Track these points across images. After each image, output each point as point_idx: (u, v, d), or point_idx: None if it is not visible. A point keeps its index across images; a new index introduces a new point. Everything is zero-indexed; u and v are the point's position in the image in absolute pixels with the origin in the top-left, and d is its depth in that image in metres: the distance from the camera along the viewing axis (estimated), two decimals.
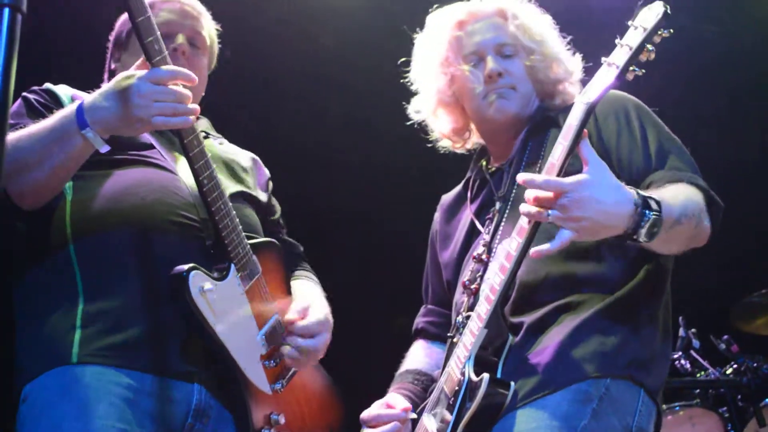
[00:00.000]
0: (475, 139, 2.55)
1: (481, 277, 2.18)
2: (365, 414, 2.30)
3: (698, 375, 4.70)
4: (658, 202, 1.87)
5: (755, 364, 4.59)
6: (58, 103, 2.23)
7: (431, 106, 2.50)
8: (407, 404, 2.29)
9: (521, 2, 2.41)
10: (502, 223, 2.23)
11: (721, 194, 2.07)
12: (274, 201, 2.65)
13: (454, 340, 2.16)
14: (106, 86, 2.05)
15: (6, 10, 1.35)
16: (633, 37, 1.86)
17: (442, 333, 2.43)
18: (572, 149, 1.87)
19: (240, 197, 2.41)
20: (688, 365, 4.72)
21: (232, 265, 2.18)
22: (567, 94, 2.35)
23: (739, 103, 5.38)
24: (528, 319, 2.09)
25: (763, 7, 5.07)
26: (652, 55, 1.86)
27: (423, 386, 2.40)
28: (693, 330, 4.79)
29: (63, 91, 2.29)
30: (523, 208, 1.88)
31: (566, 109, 1.99)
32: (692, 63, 4.94)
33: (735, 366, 4.68)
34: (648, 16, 1.85)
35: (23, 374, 2.08)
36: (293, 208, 2.81)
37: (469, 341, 2.05)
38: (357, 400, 2.49)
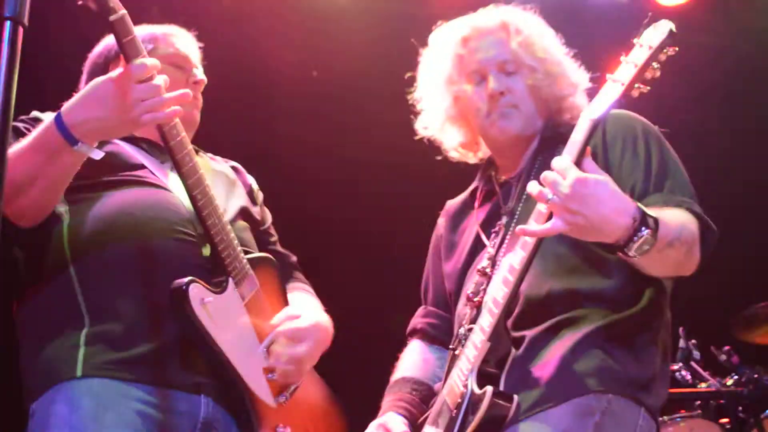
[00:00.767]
0: (485, 149, 2.53)
1: (485, 290, 2.18)
2: None
3: (699, 386, 4.69)
4: (656, 221, 1.88)
5: (756, 375, 4.55)
6: None
7: (438, 123, 2.49)
8: (404, 428, 2.26)
9: (524, 14, 2.40)
10: (507, 237, 2.23)
11: (723, 205, 2.08)
12: (264, 208, 2.62)
13: (456, 352, 2.16)
14: (84, 95, 2.01)
15: (8, 23, 1.36)
16: (638, 54, 1.87)
17: (440, 336, 2.43)
18: (577, 164, 1.87)
19: (235, 212, 2.39)
20: (689, 376, 4.70)
21: (230, 279, 2.18)
22: (575, 108, 2.33)
23: (738, 114, 5.40)
24: (530, 332, 2.09)
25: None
26: (658, 73, 1.87)
27: (421, 397, 2.37)
28: (693, 341, 4.77)
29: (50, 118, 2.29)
30: (531, 186, 1.88)
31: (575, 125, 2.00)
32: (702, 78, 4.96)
33: (736, 377, 4.65)
34: (654, 35, 1.86)
35: (30, 394, 2.09)
36: (289, 213, 2.79)
37: (473, 354, 2.05)
38: (357, 406, 2.48)
